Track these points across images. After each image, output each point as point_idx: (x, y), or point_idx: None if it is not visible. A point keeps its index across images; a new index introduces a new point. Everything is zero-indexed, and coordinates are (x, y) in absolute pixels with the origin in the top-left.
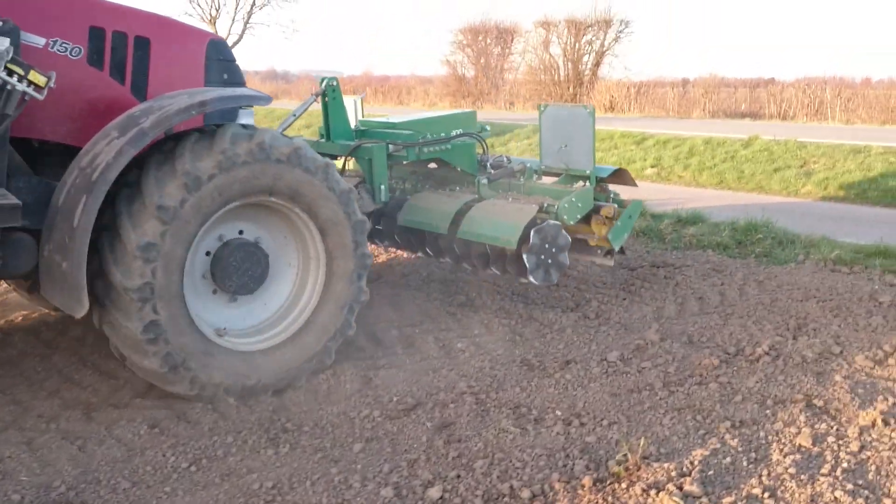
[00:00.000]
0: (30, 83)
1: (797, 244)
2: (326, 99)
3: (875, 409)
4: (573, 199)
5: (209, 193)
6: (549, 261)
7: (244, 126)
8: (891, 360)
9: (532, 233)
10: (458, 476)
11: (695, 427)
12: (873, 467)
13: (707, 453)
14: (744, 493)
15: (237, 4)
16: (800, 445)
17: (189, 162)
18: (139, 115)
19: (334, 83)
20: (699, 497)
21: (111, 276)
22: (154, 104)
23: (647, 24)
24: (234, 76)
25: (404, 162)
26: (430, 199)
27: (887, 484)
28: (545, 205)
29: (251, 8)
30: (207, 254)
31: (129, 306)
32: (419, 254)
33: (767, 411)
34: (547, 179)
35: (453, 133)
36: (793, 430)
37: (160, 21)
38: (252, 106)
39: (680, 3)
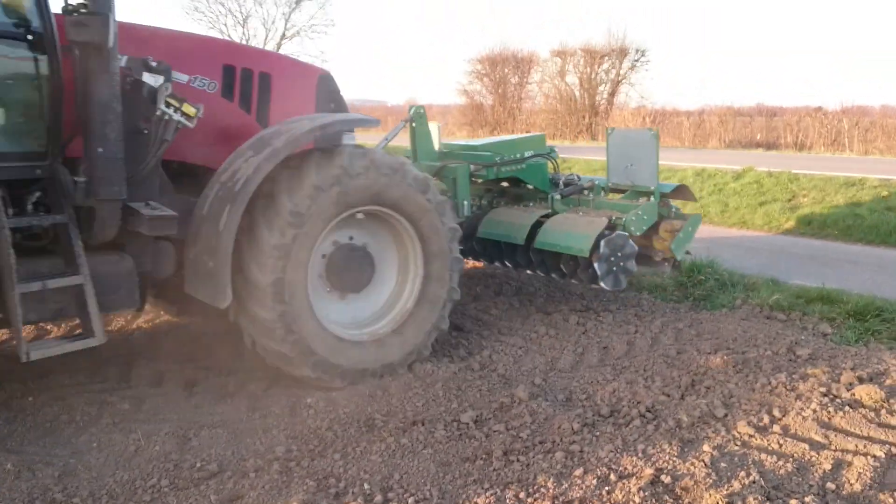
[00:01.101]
0: (183, 114)
1: (738, 287)
2: (414, 125)
3: (727, 488)
4: (640, 213)
5: (330, 203)
6: (618, 268)
7: (356, 146)
8: (776, 427)
9: (602, 242)
10: None
11: None
12: None
13: None
14: None
15: (266, 35)
16: None
17: (315, 176)
18: (270, 136)
19: (422, 111)
20: None
21: (249, 272)
22: (282, 128)
23: (665, 51)
24: (339, 104)
25: (479, 181)
26: (507, 213)
27: None
28: (613, 218)
29: (280, 39)
30: (323, 256)
31: (263, 298)
32: (496, 263)
33: (604, 489)
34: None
35: (526, 154)
36: None
37: (279, 59)
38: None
39: (694, 29)
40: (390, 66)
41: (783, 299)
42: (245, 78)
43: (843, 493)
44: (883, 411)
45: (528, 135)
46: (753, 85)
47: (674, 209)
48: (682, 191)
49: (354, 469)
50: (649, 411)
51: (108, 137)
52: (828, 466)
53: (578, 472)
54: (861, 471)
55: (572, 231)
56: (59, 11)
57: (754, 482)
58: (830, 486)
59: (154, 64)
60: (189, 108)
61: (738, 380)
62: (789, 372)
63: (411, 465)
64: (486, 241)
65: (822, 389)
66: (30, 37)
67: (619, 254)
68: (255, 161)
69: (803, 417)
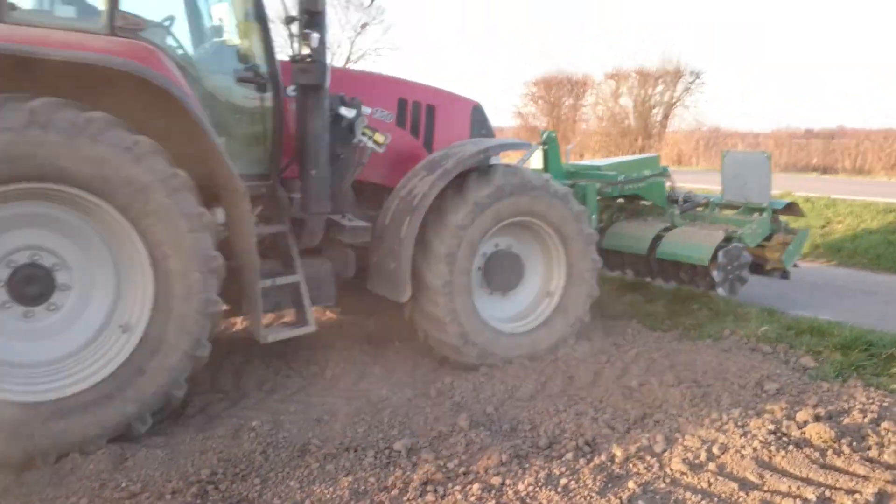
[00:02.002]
0: (374, 141)
1: (729, 317)
2: (546, 147)
3: None
4: (754, 227)
5: (488, 216)
6: (734, 276)
7: (506, 166)
8: (711, 465)
9: (720, 253)
10: None
11: None
12: None
13: None
14: None
15: (332, 58)
16: None
17: (475, 193)
18: (440, 158)
19: (553, 135)
20: None
21: (423, 276)
22: (449, 151)
23: (722, 74)
24: (488, 130)
25: (597, 198)
26: (628, 227)
27: None
28: (729, 231)
29: (346, 63)
30: (482, 260)
31: (435, 298)
32: (616, 272)
33: None
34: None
35: (645, 173)
36: None
37: (442, 93)
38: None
39: (754, 52)
40: (431, 80)
41: (772, 331)
42: (415, 110)
43: None
44: (830, 452)
45: (645, 155)
46: (795, 99)
47: (784, 224)
48: (791, 207)
49: (269, 494)
50: (588, 444)
51: (319, 162)
52: None
53: (473, 496)
54: None
55: (692, 242)
56: (285, 58)
57: None
58: None
59: (348, 99)
60: (379, 137)
61: (691, 414)
62: (746, 407)
63: (326, 492)
64: (609, 251)
65: (772, 427)
66: (260, 80)
67: (735, 263)
68: (429, 180)
69: (742, 455)
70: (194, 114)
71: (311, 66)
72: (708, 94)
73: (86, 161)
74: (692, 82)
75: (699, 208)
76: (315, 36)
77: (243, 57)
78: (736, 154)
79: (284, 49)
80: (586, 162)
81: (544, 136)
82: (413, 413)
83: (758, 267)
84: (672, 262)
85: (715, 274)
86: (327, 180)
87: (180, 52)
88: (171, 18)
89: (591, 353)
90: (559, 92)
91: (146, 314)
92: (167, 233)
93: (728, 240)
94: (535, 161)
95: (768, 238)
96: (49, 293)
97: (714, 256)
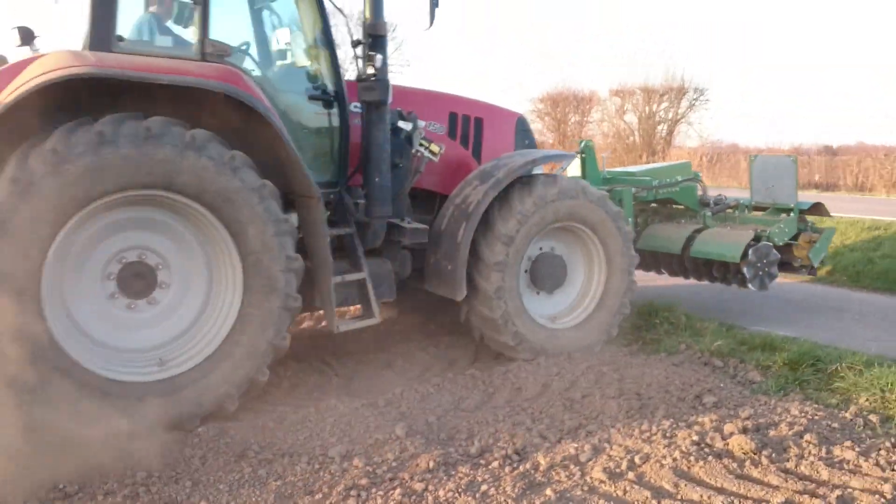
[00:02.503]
0: (430, 151)
1: (687, 332)
2: (583, 155)
3: None
4: (782, 226)
5: (533, 223)
6: (763, 272)
7: (546, 175)
8: (630, 475)
9: (751, 251)
10: None
11: None
12: None
13: None
14: None
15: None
16: None
17: (520, 204)
18: (492, 169)
19: (591, 144)
20: None
21: (476, 283)
22: (499, 162)
23: (725, 90)
24: (532, 142)
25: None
26: (662, 228)
27: None
28: (759, 230)
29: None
30: (528, 263)
31: (489, 302)
32: (651, 272)
33: None
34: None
35: (678, 178)
36: None
37: (489, 107)
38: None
39: (756, 67)
40: (432, 80)
41: (725, 345)
42: (465, 122)
43: None
44: (748, 463)
45: (677, 162)
46: (794, 99)
47: (810, 224)
48: (818, 208)
49: (197, 497)
50: (517, 453)
51: (381, 170)
52: None
53: (393, 501)
54: None
55: (724, 241)
56: (351, 78)
57: None
58: None
59: (405, 114)
60: (434, 147)
61: (623, 425)
62: (678, 419)
63: (252, 495)
64: (645, 251)
65: (697, 438)
66: (328, 98)
67: (765, 260)
68: (482, 189)
69: (662, 465)
70: (278, 128)
71: (375, 85)
72: (712, 111)
73: (191, 172)
74: (696, 99)
75: (729, 210)
76: (379, 57)
77: (313, 77)
78: (764, 158)
79: (345, 67)
80: (622, 169)
81: (581, 145)
82: (356, 422)
83: (786, 264)
84: (704, 261)
85: (745, 270)
86: (389, 187)
87: (257, 73)
88: (248, 44)
89: (544, 366)
90: (565, 108)
91: (235, 309)
92: (257, 237)
93: (757, 239)
94: (574, 169)
95: (796, 237)
96: (151, 289)
97: (744, 254)
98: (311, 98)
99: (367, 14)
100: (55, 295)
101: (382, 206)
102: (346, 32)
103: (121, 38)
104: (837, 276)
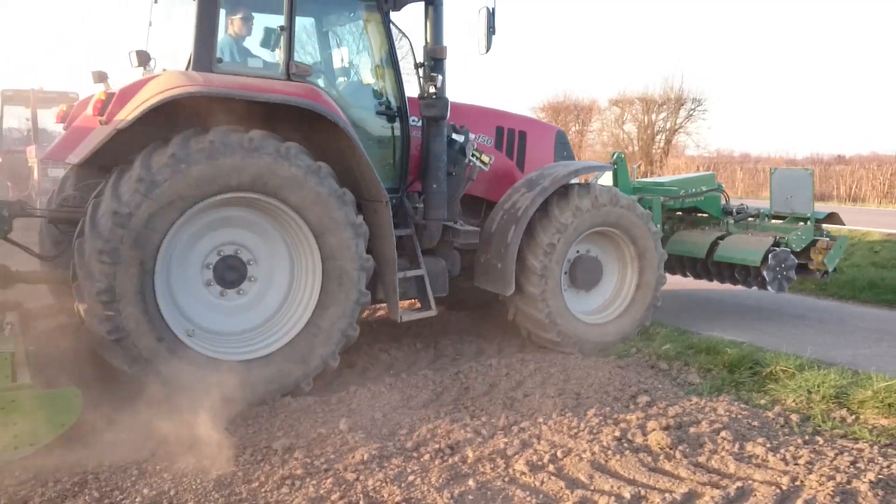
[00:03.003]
0: (481, 161)
1: (639, 336)
2: (616, 166)
3: None
4: (799, 233)
5: (571, 231)
6: (782, 276)
7: (580, 185)
8: (551, 467)
9: (770, 255)
10: None
11: None
12: None
13: None
14: None
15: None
16: None
17: (558, 212)
18: (538, 178)
19: (622, 156)
20: None
21: (523, 286)
22: (544, 171)
23: (723, 99)
24: (570, 153)
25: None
26: (688, 235)
27: None
28: (778, 237)
29: None
30: (567, 264)
31: (534, 304)
32: (676, 274)
33: None
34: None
35: (703, 188)
36: None
37: (531, 121)
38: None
39: (755, 77)
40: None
41: (672, 349)
42: (510, 135)
43: None
44: (662, 457)
45: (702, 174)
46: (793, 99)
47: (825, 231)
48: (832, 217)
49: (141, 484)
50: (450, 447)
51: (438, 178)
52: None
53: (335, 496)
54: None
55: (746, 247)
56: (413, 95)
57: None
58: None
59: (458, 127)
60: (485, 157)
61: (555, 422)
62: (607, 417)
63: (193, 483)
64: (672, 256)
65: (619, 434)
66: (392, 113)
67: (783, 265)
68: (529, 196)
69: (581, 458)
70: (354, 141)
71: (435, 102)
72: (710, 121)
73: (283, 178)
74: (694, 109)
75: (751, 218)
76: (439, 78)
77: (379, 94)
78: (782, 171)
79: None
80: (650, 179)
81: (614, 156)
82: (305, 417)
83: (803, 268)
84: (727, 265)
85: (765, 274)
86: (444, 193)
87: (333, 91)
88: (323, 64)
89: (495, 368)
90: (566, 118)
91: (313, 302)
92: (336, 238)
93: (777, 245)
94: (606, 179)
95: (812, 244)
96: (241, 281)
97: (764, 259)
98: (378, 113)
99: (428, 39)
100: (164, 281)
101: (439, 211)
102: (409, 55)
103: (220, 60)
104: (807, 284)
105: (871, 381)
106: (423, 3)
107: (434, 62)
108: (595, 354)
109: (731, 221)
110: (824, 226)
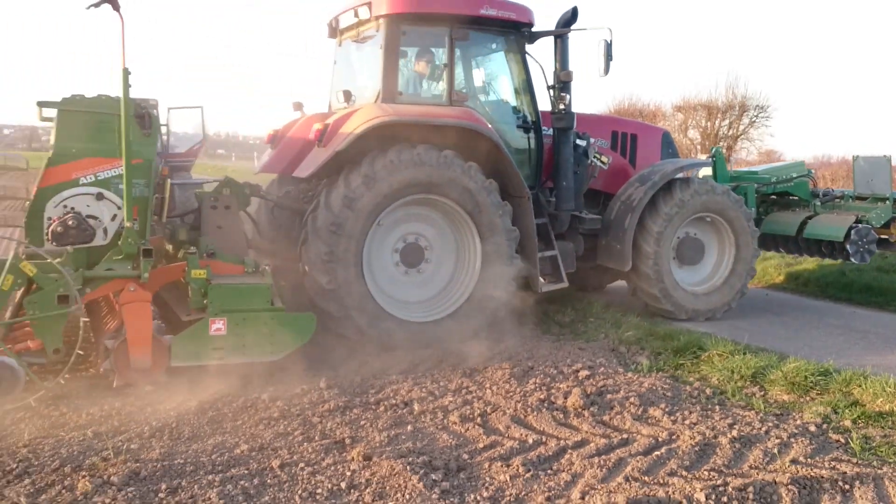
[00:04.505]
0: (601, 161)
1: (609, 325)
2: (714, 160)
3: (389, 448)
4: (879, 212)
5: (676, 217)
6: (864, 249)
7: (682, 179)
8: (478, 419)
9: (853, 231)
10: None
11: None
12: None
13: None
14: None
15: None
16: None
17: (664, 204)
18: (649, 174)
19: (721, 150)
20: None
21: (638, 266)
22: (654, 168)
23: (786, 105)
24: (674, 152)
25: (755, 195)
26: (781, 216)
27: None
28: (860, 216)
29: None
30: (675, 241)
31: (649, 280)
32: (771, 250)
33: (299, 436)
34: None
35: (793, 175)
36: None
37: (641, 125)
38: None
39: (822, 82)
40: None
41: (633, 335)
42: (623, 138)
43: (467, 459)
44: (572, 415)
45: (793, 162)
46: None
47: None
48: None
49: (146, 415)
50: (404, 403)
51: (567, 176)
52: (480, 445)
53: (297, 432)
54: (503, 450)
55: (831, 224)
56: (545, 110)
57: (409, 449)
58: (465, 457)
59: (581, 133)
60: (604, 158)
61: (498, 388)
62: (541, 385)
63: (191, 421)
64: (766, 234)
65: (543, 396)
66: (529, 126)
67: (865, 239)
68: (643, 189)
69: (505, 413)
70: (502, 149)
71: (564, 116)
72: (773, 127)
73: (451, 181)
74: (757, 115)
75: (836, 200)
76: (567, 96)
77: (518, 111)
78: (864, 158)
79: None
80: (745, 169)
81: (713, 151)
82: (289, 378)
83: (883, 242)
84: (815, 241)
85: (848, 247)
86: (572, 189)
87: (483, 111)
88: (475, 90)
89: (475, 350)
90: None
91: (477, 272)
92: (488, 220)
93: (858, 222)
94: (707, 170)
95: (892, 220)
96: (419, 263)
97: (847, 234)
98: (518, 126)
99: (558, 66)
100: (368, 264)
101: (567, 202)
102: (542, 78)
103: (400, 93)
104: (811, 286)
105: (785, 363)
106: (552, 37)
107: (562, 84)
108: (701, 319)
109: (818, 203)
110: None
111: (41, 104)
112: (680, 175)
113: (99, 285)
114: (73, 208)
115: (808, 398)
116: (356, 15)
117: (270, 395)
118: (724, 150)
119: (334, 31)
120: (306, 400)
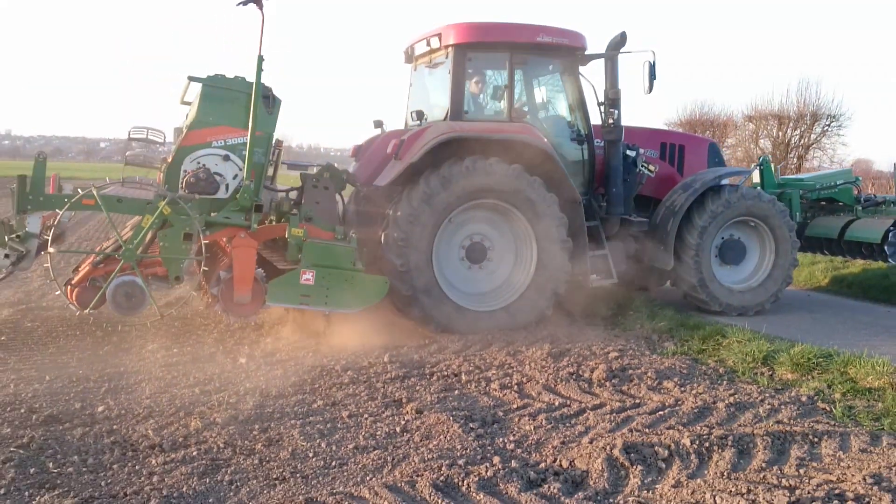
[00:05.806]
0: (648, 170)
1: (646, 317)
2: (762, 167)
3: (438, 408)
4: None
5: (720, 218)
6: None
7: (730, 185)
8: (515, 386)
9: (890, 234)
10: None
11: None
12: None
13: None
14: None
15: None
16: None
17: (710, 204)
18: (691, 182)
19: (768, 159)
20: None
21: (682, 258)
22: (697, 177)
23: (860, 113)
24: (721, 161)
25: (801, 201)
26: (825, 220)
27: None
28: None
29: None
30: (719, 242)
31: (689, 272)
32: (816, 253)
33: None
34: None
35: (838, 182)
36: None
37: (688, 136)
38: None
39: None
40: None
41: (666, 326)
42: (671, 148)
43: (501, 416)
44: (595, 385)
45: (840, 169)
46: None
47: None
48: None
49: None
50: (454, 374)
51: (616, 184)
52: (514, 406)
53: (363, 392)
54: (532, 409)
55: (870, 227)
56: (597, 123)
57: (454, 407)
58: (500, 414)
59: (630, 144)
60: (651, 167)
61: (535, 364)
62: (573, 362)
63: (276, 379)
64: (811, 237)
65: (573, 370)
66: (581, 139)
67: None
68: (685, 195)
69: (537, 382)
70: (557, 161)
71: (613, 129)
72: (846, 136)
73: (517, 191)
74: (829, 125)
75: (878, 205)
76: (615, 112)
77: (571, 125)
78: None
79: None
80: (792, 177)
81: (760, 159)
82: (365, 353)
83: None
84: (856, 243)
85: (886, 249)
86: (621, 194)
87: (540, 126)
88: (532, 106)
89: (513, 330)
90: (703, 132)
91: (532, 273)
92: (545, 227)
93: None
94: (755, 177)
95: None
96: (482, 259)
97: (885, 236)
98: (571, 139)
99: (608, 84)
100: (436, 254)
101: (617, 207)
102: (593, 96)
103: (466, 111)
104: (855, 289)
105: (793, 347)
106: (603, 59)
107: (611, 101)
108: (733, 314)
109: (860, 208)
110: None
111: (191, 78)
112: (726, 181)
113: (217, 230)
114: (204, 165)
115: (809, 377)
116: (428, 44)
117: (342, 365)
118: (796, 160)
119: (409, 57)
120: (372, 371)
